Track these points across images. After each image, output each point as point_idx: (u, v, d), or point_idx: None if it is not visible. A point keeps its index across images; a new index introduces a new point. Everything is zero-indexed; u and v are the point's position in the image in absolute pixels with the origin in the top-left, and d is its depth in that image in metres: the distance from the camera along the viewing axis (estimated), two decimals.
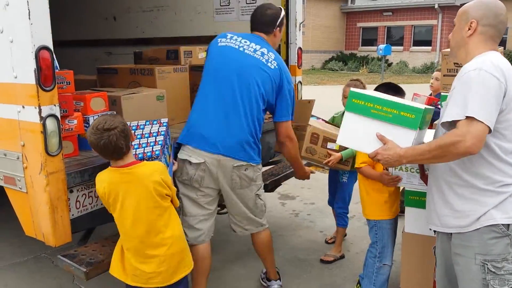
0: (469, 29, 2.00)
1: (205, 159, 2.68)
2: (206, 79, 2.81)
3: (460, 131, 1.78)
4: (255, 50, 2.80)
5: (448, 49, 3.44)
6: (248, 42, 2.82)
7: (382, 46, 20.25)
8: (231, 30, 4.62)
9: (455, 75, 3.19)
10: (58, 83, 2.42)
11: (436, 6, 23.71)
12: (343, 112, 3.70)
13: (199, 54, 4.35)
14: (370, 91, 2.29)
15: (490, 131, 1.78)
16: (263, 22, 2.90)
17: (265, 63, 2.78)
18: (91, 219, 2.54)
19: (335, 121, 3.77)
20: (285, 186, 5.38)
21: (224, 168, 2.71)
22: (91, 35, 5.89)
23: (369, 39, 27.21)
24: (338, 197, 3.78)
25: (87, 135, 2.21)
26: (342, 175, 3.72)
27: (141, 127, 2.69)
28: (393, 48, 22.72)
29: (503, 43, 24.31)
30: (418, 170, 2.56)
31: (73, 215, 2.40)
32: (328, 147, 3.36)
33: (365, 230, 4.12)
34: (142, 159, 2.38)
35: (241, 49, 2.79)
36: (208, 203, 2.80)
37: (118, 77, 3.75)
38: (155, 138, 2.56)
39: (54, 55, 2.24)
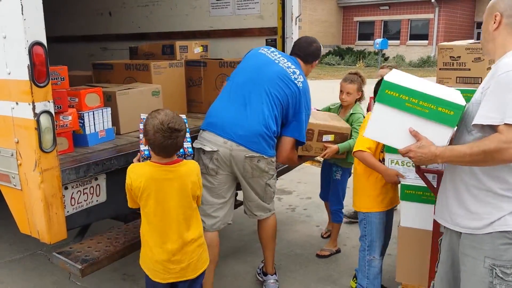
0: (494, 22, 1.94)
1: (218, 147, 2.75)
2: (235, 74, 2.99)
3: (505, 138, 1.69)
4: (288, 67, 2.96)
5: (444, 43, 3.44)
6: (285, 60, 3.00)
7: (378, 40, 20.24)
8: (226, 24, 4.67)
9: (451, 69, 3.23)
10: (52, 79, 2.41)
11: (432, 0, 23.69)
12: (340, 105, 3.73)
13: (195, 48, 4.34)
14: (405, 78, 2.06)
15: None
16: (308, 52, 3.12)
17: (293, 79, 2.92)
18: (86, 216, 2.53)
19: (331, 112, 3.78)
20: (282, 181, 5.38)
21: (236, 157, 2.79)
22: (86, 31, 5.85)
23: (366, 33, 27.18)
24: (332, 194, 3.78)
25: (151, 130, 2.08)
26: (336, 172, 3.71)
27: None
28: (390, 42, 22.71)
29: None
30: (414, 164, 2.56)
31: (68, 212, 2.39)
32: (323, 140, 3.35)
33: None
34: (181, 156, 2.36)
35: (276, 61, 2.97)
36: (224, 190, 2.87)
37: (113, 73, 3.74)
38: None
39: (47, 50, 2.22)
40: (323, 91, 12.71)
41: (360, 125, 3.28)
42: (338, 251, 3.78)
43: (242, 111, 2.81)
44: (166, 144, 2.08)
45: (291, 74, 2.93)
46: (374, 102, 2.17)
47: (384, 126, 2.00)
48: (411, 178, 2.60)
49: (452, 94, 2.00)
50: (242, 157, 2.78)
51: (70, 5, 5.91)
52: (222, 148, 2.75)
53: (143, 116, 2.54)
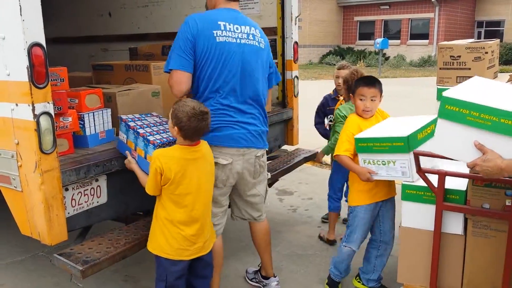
0: None
1: (232, 158, 2.67)
2: (215, 80, 2.64)
3: None
4: (248, 35, 2.73)
5: (444, 42, 3.43)
6: (239, 28, 2.71)
7: (379, 40, 20.20)
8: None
9: (451, 68, 3.22)
10: (51, 80, 2.40)
11: None
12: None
13: None
14: (465, 91, 2.07)
15: None
16: None
17: (260, 46, 2.79)
18: (87, 217, 2.53)
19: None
20: (283, 181, 5.37)
21: (247, 160, 2.76)
22: (86, 32, 5.86)
23: (366, 33, 27.18)
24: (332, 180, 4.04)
25: (184, 116, 2.28)
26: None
27: (142, 118, 2.73)
28: (390, 41, 22.68)
29: (499, 35, 24.38)
30: (384, 162, 2.62)
31: (68, 213, 2.39)
32: None
33: None
34: (166, 144, 2.48)
35: (238, 41, 2.68)
36: (225, 199, 2.85)
37: (113, 74, 3.72)
38: (164, 124, 2.68)
39: (46, 51, 2.21)
40: (323, 90, 12.69)
41: (340, 126, 3.24)
42: (331, 242, 3.87)
43: (245, 114, 2.74)
44: (201, 127, 2.33)
45: (255, 42, 2.76)
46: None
47: (448, 141, 2.02)
48: (383, 175, 2.68)
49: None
50: (253, 157, 2.78)
51: (70, 6, 5.91)
52: (236, 157, 2.69)
53: (125, 117, 2.68)
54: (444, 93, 2.03)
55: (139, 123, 2.64)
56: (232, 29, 2.67)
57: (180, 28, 2.62)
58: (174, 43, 2.61)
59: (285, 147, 4.45)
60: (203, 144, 2.48)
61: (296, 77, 4.37)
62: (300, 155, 4.24)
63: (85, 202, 2.49)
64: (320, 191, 4.68)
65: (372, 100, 2.91)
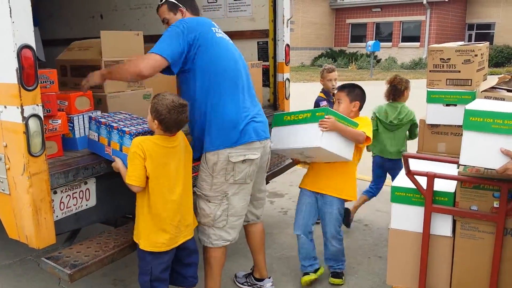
0: None
1: (258, 151, 2.69)
2: (219, 76, 2.62)
3: None
4: (224, 34, 2.83)
5: (434, 45, 3.45)
6: (220, 28, 2.81)
7: (371, 42, 20.32)
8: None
9: (441, 71, 3.25)
10: (41, 83, 2.39)
11: (424, 2, 23.84)
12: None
13: None
14: (483, 103, 2.29)
15: None
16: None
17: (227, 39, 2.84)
18: (76, 220, 2.51)
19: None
20: (274, 183, 5.37)
21: (265, 152, 2.80)
22: (78, 34, 5.81)
23: (358, 36, 27.30)
24: None
25: (164, 109, 2.35)
26: None
27: (111, 115, 2.77)
28: (382, 44, 22.84)
29: (490, 38, 24.59)
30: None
31: (57, 216, 2.37)
32: None
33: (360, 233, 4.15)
34: (141, 133, 2.51)
35: (225, 37, 2.80)
36: (249, 197, 2.84)
37: None
38: (136, 119, 2.72)
39: (36, 53, 2.20)
40: (316, 93, 12.71)
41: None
42: (347, 223, 4.15)
43: (255, 106, 2.78)
44: (181, 119, 2.39)
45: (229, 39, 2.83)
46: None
47: (476, 150, 2.17)
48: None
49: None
50: (268, 149, 2.86)
51: (61, 8, 5.88)
52: (261, 149, 2.73)
53: (94, 115, 2.76)
54: (467, 107, 2.19)
55: (110, 119, 2.67)
56: (219, 28, 2.77)
57: (172, 26, 2.61)
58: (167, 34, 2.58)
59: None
60: (179, 133, 2.54)
61: (288, 79, 4.38)
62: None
63: (74, 205, 2.47)
64: None
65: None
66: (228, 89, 2.61)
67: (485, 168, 2.30)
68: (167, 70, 2.58)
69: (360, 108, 3.29)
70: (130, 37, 3.27)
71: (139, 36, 3.28)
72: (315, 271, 3.30)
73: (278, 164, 4.02)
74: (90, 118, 2.71)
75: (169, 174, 2.44)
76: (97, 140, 2.64)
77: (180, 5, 2.79)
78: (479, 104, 2.28)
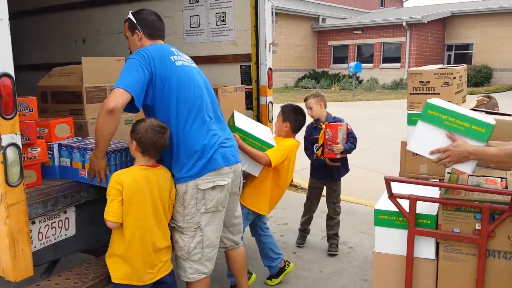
0: None
1: (228, 177, 2.66)
2: (181, 105, 2.57)
3: None
4: (190, 60, 2.79)
5: (414, 68, 3.52)
6: (181, 55, 2.74)
7: (352, 64, 20.64)
8: (201, 51, 4.68)
9: (420, 93, 3.30)
10: (20, 110, 2.36)
11: (404, 24, 24.38)
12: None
13: None
14: (444, 102, 2.50)
15: None
16: (164, 30, 2.86)
17: (198, 68, 2.84)
18: (54, 250, 2.45)
19: None
20: None
21: (236, 176, 2.76)
22: (60, 59, 5.79)
23: (340, 57, 27.72)
24: None
25: (142, 128, 2.40)
26: None
27: (80, 140, 2.80)
28: (364, 65, 23.18)
29: (468, 58, 25.19)
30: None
31: (35, 247, 2.31)
32: None
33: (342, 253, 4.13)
34: (116, 150, 2.56)
35: (189, 64, 2.74)
36: (222, 225, 2.79)
37: None
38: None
39: (15, 82, 2.17)
40: None
41: None
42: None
43: (223, 130, 2.74)
44: (157, 140, 2.40)
45: (194, 64, 2.81)
46: None
47: (424, 140, 2.40)
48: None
49: (483, 116, 2.40)
50: (239, 172, 2.82)
51: (44, 33, 5.87)
52: (230, 174, 2.68)
53: (64, 142, 2.72)
54: (428, 100, 2.43)
55: (81, 143, 2.67)
56: (180, 55, 2.70)
57: (130, 59, 2.53)
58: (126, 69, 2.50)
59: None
60: (162, 168, 2.54)
61: (271, 102, 4.40)
62: None
63: (53, 235, 2.42)
64: (296, 215, 4.65)
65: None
66: (192, 117, 2.57)
67: (426, 157, 2.46)
68: (130, 107, 2.48)
69: (293, 129, 3.49)
70: (111, 62, 3.26)
71: (121, 62, 3.27)
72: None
73: None
74: (59, 145, 2.68)
75: (146, 209, 2.42)
76: (69, 165, 2.62)
77: (138, 28, 2.73)
78: (440, 101, 2.47)
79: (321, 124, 4.04)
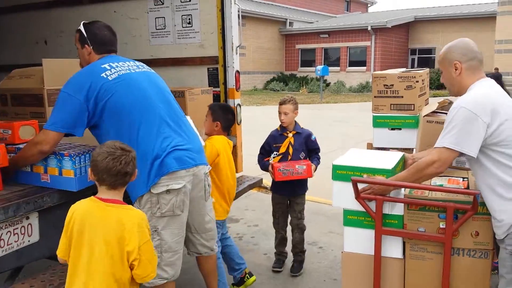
0: (456, 69, 2.41)
1: (184, 180, 2.56)
2: (127, 115, 2.51)
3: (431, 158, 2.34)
4: (137, 66, 2.74)
5: (378, 72, 3.60)
6: (125, 64, 2.68)
7: (320, 67, 20.92)
8: (167, 53, 4.63)
9: (385, 96, 3.37)
10: None
11: (369, 29, 24.90)
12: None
13: None
14: (348, 159, 2.74)
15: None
16: (116, 44, 2.82)
17: (151, 71, 2.80)
18: (17, 258, 2.36)
19: None
20: None
21: (198, 180, 2.68)
22: (22, 60, 5.61)
23: (308, 60, 28.06)
24: None
25: (94, 153, 1.98)
26: None
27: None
28: (331, 68, 23.54)
29: (431, 62, 25.89)
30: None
31: None
32: None
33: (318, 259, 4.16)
34: (81, 154, 2.46)
35: (132, 70, 2.67)
36: (184, 230, 2.68)
37: None
38: (73, 145, 2.69)
39: None
40: (268, 116, 12.86)
41: None
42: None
43: (181, 132, 2.65)
44: (111, 167, 1.93)
45: (146, 69, 2.80)
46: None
47: (344, 195, 2.58)
48: None
49: (382, 162, 2.63)
50: (202, 176, 2.71)
51: (4, 33, 5.67)
52: (187, 177, 2.58)
53: (21, 146, 2.59)
54: (334, 162, 2.63)
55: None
56: (118, 65, 2.63)
57: (61, 93, 2.50)
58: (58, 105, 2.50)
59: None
60: (126, 209, 2.03)
61: (239, 104, 4.40)
62: (245, 182, 4.23)
63: (15, 241, 2.33)
64: (266, 217, 4.67)
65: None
66: (141, 124, 2.51)
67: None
68: (70, 134, 2.51)
69: (224, 128, 3.40)
70: (73, 64, 3.18)
71: None
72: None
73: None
74: (17, 149, 2.59)
75: (84, 251, 1.96)
76: (30, 170, 2.55)
77: (88, 43, 2.68)
78: (345, 159, 2.70)
79: (288, 132, 3.79)
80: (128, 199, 2.42)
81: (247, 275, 3.58)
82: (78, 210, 1.99)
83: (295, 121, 3.84)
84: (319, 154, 3.86)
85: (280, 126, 3.82)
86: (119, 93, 2.51)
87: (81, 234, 1.95)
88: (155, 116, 2.56)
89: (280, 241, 4.00)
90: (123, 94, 2.52)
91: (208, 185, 2.83)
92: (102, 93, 2.48)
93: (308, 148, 3.82)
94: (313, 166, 3.70)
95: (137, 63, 2.78)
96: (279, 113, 3.77)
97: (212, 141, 3.29)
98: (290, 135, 3.77)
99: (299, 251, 3.91)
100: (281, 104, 3.80)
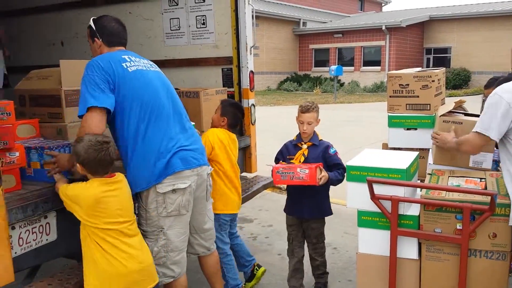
0: None
1: (189, 180, 2.60)
2: (137, 111, 2.55)
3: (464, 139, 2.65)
4: (150, 65, 2.77)
5: (393, 71, 3.56)
6: (140, 60, 2.73)
7: (334, 67, 20.80)
8: (181, 53, 4.66)
9: (400, 96, 3.34)
10: None
11: (383, 28, 24.68)
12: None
13: None
14: (363, 159, 2.78)
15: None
16: (126, 37, 2.83)
17: (160, 71, 2.82)
18: (35, 256, 2.40)
19: None
20: (242, 209, 5.30)
21: (201, 180, 2.72)
22: (39, 61, 5.70)
23: (322, 60, 27.92)
24: None
25: (81, 150, 2.25)
26: None
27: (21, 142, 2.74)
28: (345, 68, 23.38)
29: (447, 61, 25.61)
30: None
31: (15, 253, 2.26)
32: None
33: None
34: (61, 146, 2.62)
35: (147, 68, 2.71)
36: (188, 229, 2.73)
37: None
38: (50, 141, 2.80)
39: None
40: (281, 116, 12.84)
41: None
42: None
43: (185, 132, 2.70)
44: (101, 158, 2.27)
45: (156, 68, 2.81)
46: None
47: (359, 196, 2.61)
48: None
49: (396, 161, 2.67)
50: (205, 176, 2.77)
51: (22, 36, 5.77)
52: (193, 177, 2.63)
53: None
54: (347, 163, 2.68)
55: (25, 144, 2.66)
56: (136, 60, 2.67)
57: (86, 72, 2.50)
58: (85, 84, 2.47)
59: (244, 174, 4.44)
60: (119, 175, 2.42)
61: (253, 105, 4.41)
62: (259, 183, 4.24)
63: (34, 240, 2.37)
64: (280, 217, 4.66)
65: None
66: (150, 121, 2.54)
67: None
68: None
69: (230, 125, 3.38)
70: None
71: None
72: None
73: (246, 190, 4.00)
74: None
75: (114, 217, 2.30)
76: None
77: (97, 35, 2.71)
78: (358, 160, 2.74)
79: (302, 143, 3.33)
80: None
81: (255, 267, 3.61)
82: (100, 189, 2.29)
83: (314, 131, 3.35)
84: (342, 169, 3.20)
85: (297, 135, 3.38)
86: (133, 87, 2.54)
87: (108, 205, 2.31)
88: (164, 116, 2.61)
89: (294, 272, 3.44)
90: (139, 88, 2.56)
91: (210, 185, 2.87)
92: (121, 81, 2.50)
93: (327, 164, 3.24)
94: (323, 173, 3.07)
95: (150, 62, 2.82)
96: (301, 122, 3.27)
97: (207, 134, 3.31)
98: (305, 146, 3.30)
99: (321, 273, 3.51)
100: (303, 112, 3.26)
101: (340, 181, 3.20)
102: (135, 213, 2.54)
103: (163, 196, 2.53)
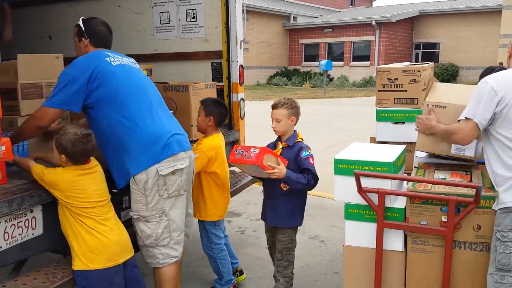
0: None
1: (185, 161, 2.72)
2: (125, 101, 2.63)
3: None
4: (133, 62, 2.90)
5: (382, 66, 3.58)
6: (123, 58, 2.84)
7: (323, 62, 20.88)
8: (171, 47, 4.65)
9: (389, 90, 3.36)
10: None
11: (373, 23, 24.78)
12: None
13: None
14: (350, 153, 2.78)
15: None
16: (111, 39, 2.92)
17: (141, 70, 2.96)
18: (21, 250, 2.39)
19: None
20: (231, 202, 5.30)
21: (190, 162, 2.81)
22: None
23: (311, 55, 27.97)
24: None
25: (69, 143, 2.37)
26: None
27: None
28: (334, 63, 23.47)
29: (435, 56, 25.78)
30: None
31: (1, 247, 2.24)
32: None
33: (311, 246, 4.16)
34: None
35: (128, 63, 2.83)
36: (185, 209, 2.82)
37: None
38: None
39: None
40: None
41: None
42: None
43: (172, 119, 2.84)
44: (87, 149, 2.43)
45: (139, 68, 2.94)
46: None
47: (347, 189, 2.61)
48: None
49: (382, 155, 2.66)
50: (192, 161, 2.84)
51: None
52: (188, 159, 2.76)
53: None
54: (335, 156, 2.66)
55: None
56: (118, 57, 2.78)
57: (63, 73, 2.63)
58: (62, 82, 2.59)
59: (232, 169, 4.44)
60: (94, 160, 2.56)
61: (242, 99, 4.41)
62: (248, 177, 4.24)
63: (19, 234, 2.35)
64: None
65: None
66: (140, 110, 2.64)
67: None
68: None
69: (217, 123, 3.28)
70: (49, 59, 3.22)
71: (59, 59, 3.23)
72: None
73: (234, 184, 4.00)
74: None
75: (91, 197, 2.45)
76: None
77: (85, 36, 2.78)
78: (346, 154, 2.72)
79: (279, 143, 3.05)
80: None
81: (237, 272, 3.59)
82: (73, 173, 2.43)
83: (295, 131, 3.05)
84: (311, 175, 2.90)
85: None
86: (119, 78, 2.65)
87: (85, 187, 2.47)
88: (151, 104, 2.72)
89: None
90: (124, 79, 2.67)
91: (193, 170, 2.96)
92: (105, 74, 2.60)
93: (299, 167, 2.93)
94: (281, 167, 2.78)
95: (132, 59, 2.92)
96: (271, 119, 3.02)
97: (204, 150, 3.18)
98: (280, 146, 3.02)
99: None
100: (272, 107, 3.05)
101: (303, 185, 2.86)
102: (125, 205, 2.63)
103: (164, 178, 2.60)
